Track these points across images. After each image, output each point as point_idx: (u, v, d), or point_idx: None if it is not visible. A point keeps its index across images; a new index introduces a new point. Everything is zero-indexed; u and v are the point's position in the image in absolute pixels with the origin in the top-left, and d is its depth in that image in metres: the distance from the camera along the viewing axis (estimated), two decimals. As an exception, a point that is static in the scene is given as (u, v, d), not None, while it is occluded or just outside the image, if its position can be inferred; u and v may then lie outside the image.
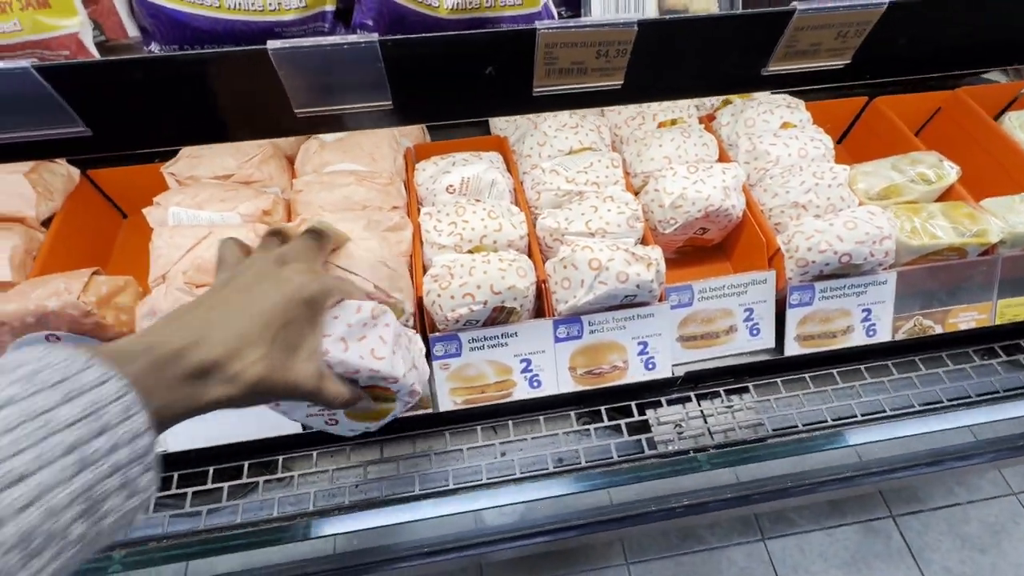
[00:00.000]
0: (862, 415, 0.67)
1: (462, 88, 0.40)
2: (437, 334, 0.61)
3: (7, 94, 0.34)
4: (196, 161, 0.67)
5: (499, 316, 0.61)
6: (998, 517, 1.60)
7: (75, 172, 0.70)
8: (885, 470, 0.66)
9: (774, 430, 0.65)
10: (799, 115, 0.76)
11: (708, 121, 0.80)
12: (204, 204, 0.62)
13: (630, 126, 0.77)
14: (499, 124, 0.81)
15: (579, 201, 0.67)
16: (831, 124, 0.79)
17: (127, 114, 0.38)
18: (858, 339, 0.68)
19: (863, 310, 0.68)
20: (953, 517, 1.59)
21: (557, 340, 0.63)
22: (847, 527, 1.57)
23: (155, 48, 0.38)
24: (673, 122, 0.75)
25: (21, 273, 0.60)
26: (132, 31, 0.38)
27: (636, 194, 0.70)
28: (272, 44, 0.35)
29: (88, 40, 0.34)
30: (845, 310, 0.67)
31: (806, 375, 0.70)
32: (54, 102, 0.35)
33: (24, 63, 0.32)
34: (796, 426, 0.67)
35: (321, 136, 0.71)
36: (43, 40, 0.33)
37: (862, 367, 0.70)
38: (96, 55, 0.35)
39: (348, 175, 0.66)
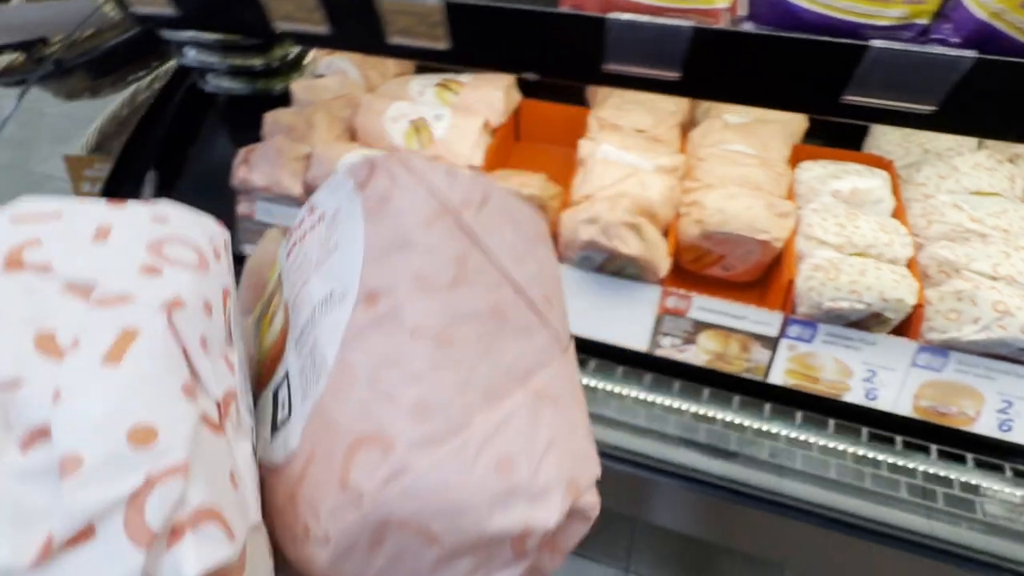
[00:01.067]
0: None
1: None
2: (797, 317, 0.67)
3: (665, 43, 0.47)
4: (620, 113, 0.81)
5: (867, 322, 0.65)
6: None
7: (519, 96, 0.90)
8: None
9: None
10: None
11: None
12: (630, 148, 0.75)
13: (1048, 184, 0.72)
14: (885, 146, 0.82)
15: (982, 242, 0.66)
16: None
17: (717, 70, 0.49)
18: None
19: None
20: None
21: (915, 365, 0.64)
22: None
23: (750, 26, 0.48)
24: (1114, 192, 0.68)
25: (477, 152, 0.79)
26: (740, 11, 0.48)
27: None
28: (875, 43, 0.43)
29: (725, 17, 0.46)
30: None
31: None
32: (685, 53, 0.47)
33: (687, 23, 0.45)
34: None
35: (726, 117, 0.80)
36: (700, 9, 0.46)
37: None
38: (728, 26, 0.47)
39: (750, 157, 0.74)
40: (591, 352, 0.75)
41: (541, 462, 0.17)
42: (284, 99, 1.02)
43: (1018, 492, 0.63)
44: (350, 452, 0.16)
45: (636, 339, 0.71)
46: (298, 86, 0.90)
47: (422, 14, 0.54)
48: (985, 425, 0.63)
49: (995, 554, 0.58)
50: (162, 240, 0.17)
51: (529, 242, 0.23)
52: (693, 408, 0.71)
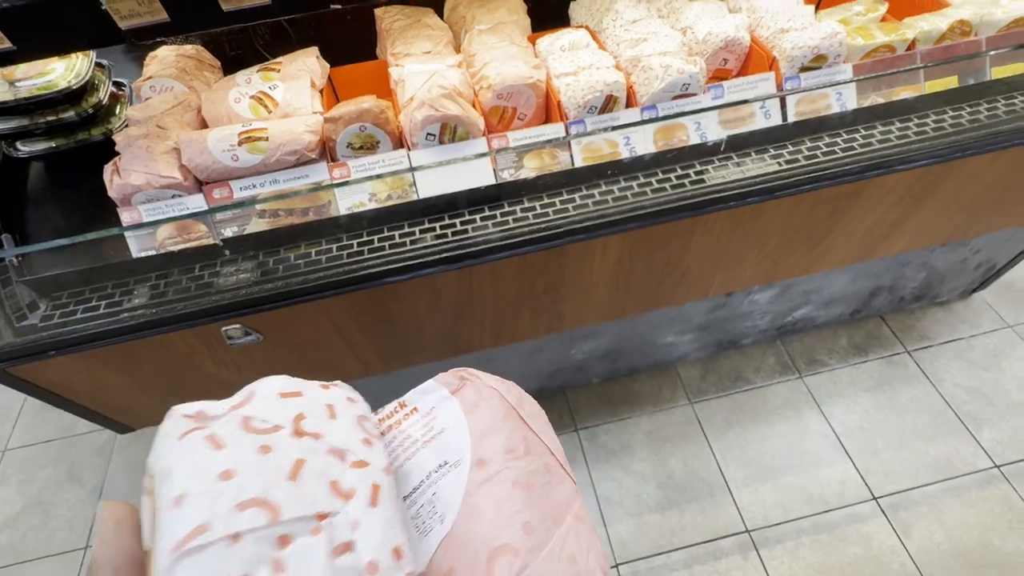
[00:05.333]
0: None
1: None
2: (570, 120, 1.01)
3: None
4: (407, 46, 1.09)
5: (608, 105, 1.01)
6: (997, 344, 1.91)
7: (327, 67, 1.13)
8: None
9: (787, 163, 1.03)
10: (779, -13, 1.17)
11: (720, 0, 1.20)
12: (426, 62, 1.04)
13: (669, 7, 1.18)
14: (579, 19, 1.23)
15: (646, 43, 1.07)
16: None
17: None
18: (835, 109, 1.06)
19: (836, 92, 1.06)
20: (959, 348, 1.91)
21: (643, 121, 1.02)
22: (870, 362, 1.90)
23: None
24: (697, -1, 1.16)
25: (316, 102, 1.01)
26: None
27: (679, 43, 1.10)
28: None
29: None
30: (824, 93, 1.06)
31: (805, 139, 1.08)
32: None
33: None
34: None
35: (476, 27, 1.13)
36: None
37: (842, 131, 1.08)
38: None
39: (503, 44, 1.07)
40: (460, 203, 1.01)
41: (588, 557, 0.28)
42: (104, 145, 1.10)
43: (728, 167, 1.04)
44: (490, 558, 0.25)
45: (484, 178, 0.99)
46: (133, 110, 1.02)
47: (244, -22, 0.75)
48: (693, 139, 1.04)
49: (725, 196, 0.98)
50: (359, 417, 0.27)
51: (547, 424, 0.35)
52: (540, 202, 1.01)
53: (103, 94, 1.13)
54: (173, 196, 0.94)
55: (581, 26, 1.19)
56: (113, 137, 0.97)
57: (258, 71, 1.07)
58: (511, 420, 0.30)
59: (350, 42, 1.24)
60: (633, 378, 1.90)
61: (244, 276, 0.96)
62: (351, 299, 0.97)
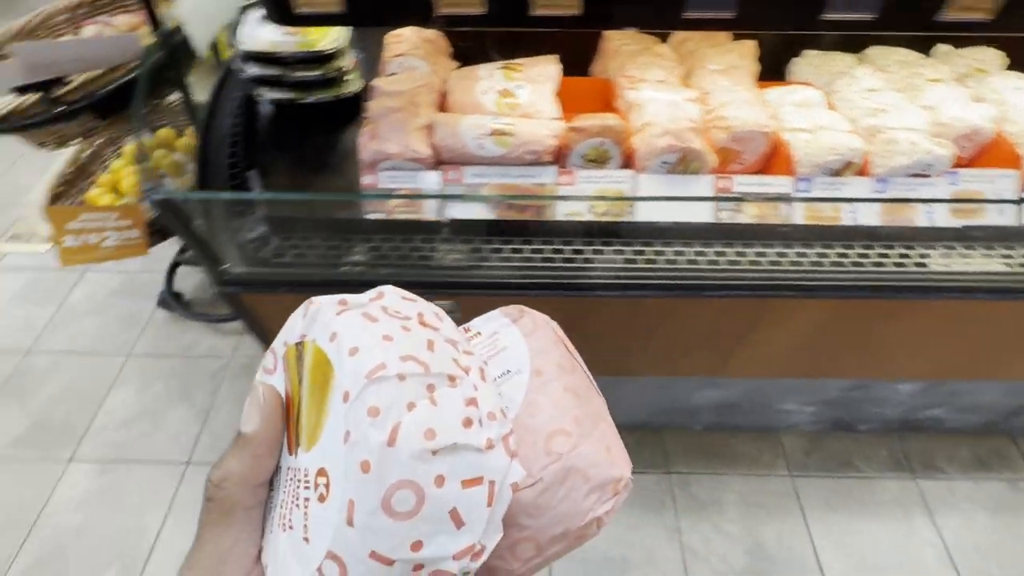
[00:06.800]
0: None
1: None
2: (800, 176, 1.00)
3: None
4: (640, 72, 1.12)
5: (841, 170, 1.00)
6: None
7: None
8: None
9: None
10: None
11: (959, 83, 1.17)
12: (661, 90, 1.06)
13: (907, 82, 1.16)
14: (801, 76, 1.22)
15: (885, 115, 1.05)
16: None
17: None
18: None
19: (1079, 205, 1.01)
20: (1098, 489, 1.76)
21: (873, 192, 1.01)
22: (992, 481, 1.78)
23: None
24: (938, 80, 1.14)
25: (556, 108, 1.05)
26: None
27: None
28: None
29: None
30: (1066, 203, 1.01)
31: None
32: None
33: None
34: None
35: (708, 66, 1.15)
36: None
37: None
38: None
39: (737, 87, 1.08)
40: (671, 233, 1.02)
41: (619, 447, 0.33)
42: (326, 107, 1.18)
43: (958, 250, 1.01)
44: (548, 438, 0.30)
45: (704, 215, 1.00)
46: (381, 81, 1.08)
47: (565, -11, 0.79)
48: (920, 221, 1.01)
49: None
50: (436, 313, 0.33)
51: (579, 356, 0.41)
52: (754, 250, 1.01)
53: (347, 61, 1.22)
54: (413, 169, 1.00)
55: (808, 83, 1.19)
56: (367, 103, 1.04)
57: (500, 68, 1.12)
58: (560, 346, 0.36)
59: (565, 55, 1.28)
60: (732, 434, 1.86)
61: (456, 256, 1.00)
62: (551, 302, 0.99)
